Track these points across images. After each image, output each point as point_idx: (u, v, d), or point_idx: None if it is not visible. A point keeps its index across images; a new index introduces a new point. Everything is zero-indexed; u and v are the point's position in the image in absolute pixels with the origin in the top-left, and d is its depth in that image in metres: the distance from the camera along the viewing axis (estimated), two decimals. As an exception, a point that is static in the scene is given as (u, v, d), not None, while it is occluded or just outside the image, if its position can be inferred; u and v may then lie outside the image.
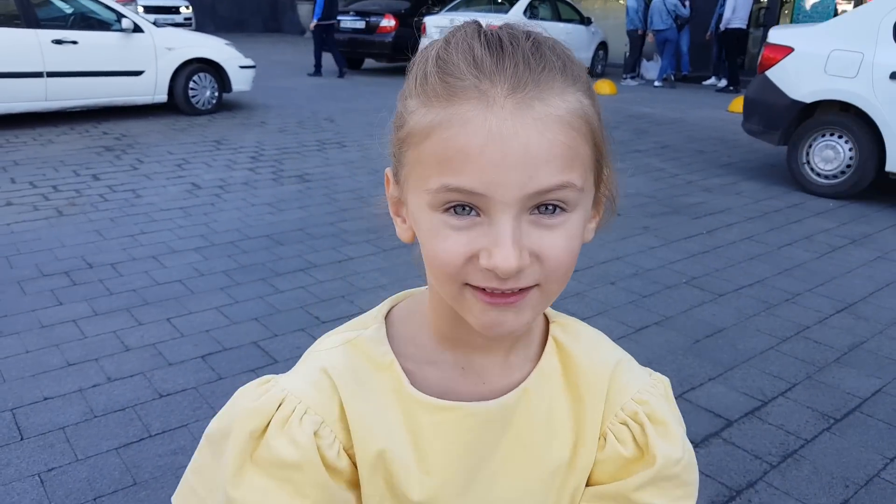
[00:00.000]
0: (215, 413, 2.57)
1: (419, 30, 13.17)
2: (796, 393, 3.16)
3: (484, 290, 0.63)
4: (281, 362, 3.24)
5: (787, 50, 6.42)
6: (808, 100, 6.30)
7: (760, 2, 15.21)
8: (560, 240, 0.63)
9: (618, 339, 3.03)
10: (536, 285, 0.64)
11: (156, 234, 4.86)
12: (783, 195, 6.42)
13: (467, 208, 0.62)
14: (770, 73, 6.52)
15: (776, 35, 6.76)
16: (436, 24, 12.69)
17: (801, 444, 2.80)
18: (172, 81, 9.04)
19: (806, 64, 6.28)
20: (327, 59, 13.88)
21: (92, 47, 8.37)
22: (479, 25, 0.66)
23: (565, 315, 0.84)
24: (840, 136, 6.23)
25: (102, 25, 8.64)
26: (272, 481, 0.69)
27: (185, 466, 2.59)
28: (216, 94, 9.50)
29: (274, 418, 0.70)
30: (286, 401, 0.71)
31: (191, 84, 9.17)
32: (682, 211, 5.84)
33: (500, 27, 0.65)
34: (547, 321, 0.82)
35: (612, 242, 4.94)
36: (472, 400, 0.75)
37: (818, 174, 6.42)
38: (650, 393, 0.79)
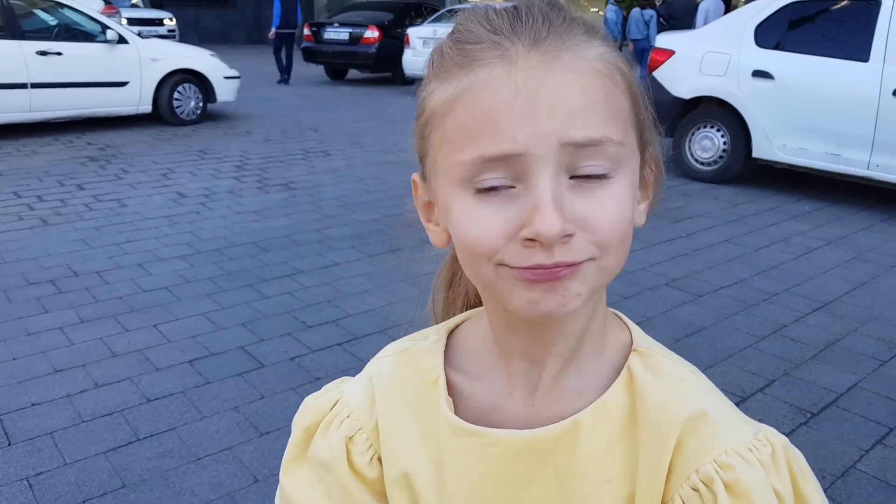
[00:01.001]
0: (203, 416, 2.64)
1: (403, 41, 13.27)
2: (774, 389, 3.23)
3: (524, 269, 0.56)
4: (268, 366, 3.27)
5: (670, 53, 7.16)
6: (687, 96, 7.03)
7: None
8: (610, 202, 0.57)
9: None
10: (590, 259, 0.57)
11: (141, 242, 4.89)
12: (761, 199, 6.52)
13: (501, 187, 0.56)
14: (656, 74, 7.19)
15: (662, 40, 7.50)
16: (419, 36, 12.79)
17: (778, 439, 2.86)
18: (157, 92, 9.07)
19: (684, 65, 7.03)
20: (306, 68, 13.94)
21: (77, 58, 8.39)
22: (489, 3, 0.63)
23: (658, 345, 0.70)
24: (715, 128, 6.97)
25: (87, 37, 8.67)
26: (312, 478, 0.72)
27: (174, 469, 2.64)
28: (201, 104, 9.53)
29: (326, 418, 0.74)
30: (339, 403, 0.74)
31: (175, 94, 9.20)
32: (661, 215, 5.92)
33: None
34: (629, 348, 0.69)
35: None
36: (517, 423, 0.66)
37: (698, 161, 7.13)
38: (742, 456, 0.61)
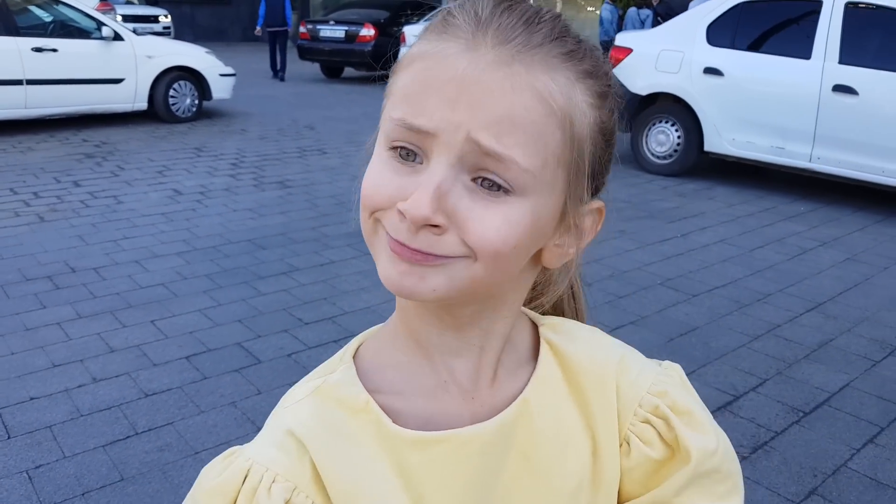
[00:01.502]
0: (201, 411, 2.65)
1: (398, 39, 13.28)
2: (767, 388, 3.27)
3: (390, 238, 0.58)
4: (265, 362, 3.29)
5: (628, 51, 7.45)
6: (644, 92, 7.31)
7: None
8: (495, 217, 0.56)
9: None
10: (464, 257, 0.57)
11: (138, 239, 4.90)
12: (756, 200, 6.56)
13: (413, 154, 0.57)
14: (616, 71, 7.26)
15: (621, 39, 7.78)
16: (415, 34, 12.67)
17: (771, 437, 2.89)
18: (153, 89, 9.05)
19: (641, 62, 7.31)
20: (301, 66, 13.96)
21: (72, 55, 8.38)
22: None
23: (550, 316, 0.75)
24: (670, 123, 7.27)
25: (82, 33, 8.66)
26: None
27: (172, 463, 2.66)
28: (196, 101, 9.52)
29: (241, 492, 0.61)
30: (252, 471, 0.62)
31: (171, 92, 9.19)
32: (657, 215, 5.96)
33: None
34: (534, 326, 0.73)
35: (589, 246, 5.02)
36: (465, 420, 0.66)
37: (654, 155, 7.43)
38: (666, 383, 0.70)
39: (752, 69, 6.69)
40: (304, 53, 14.84)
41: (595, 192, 0.66)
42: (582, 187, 0.62)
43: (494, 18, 0.57)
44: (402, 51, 0.64)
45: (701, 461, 0.67)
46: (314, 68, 15.80)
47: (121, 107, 8.95)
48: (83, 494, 2.40)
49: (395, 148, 0.58)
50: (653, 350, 3.52)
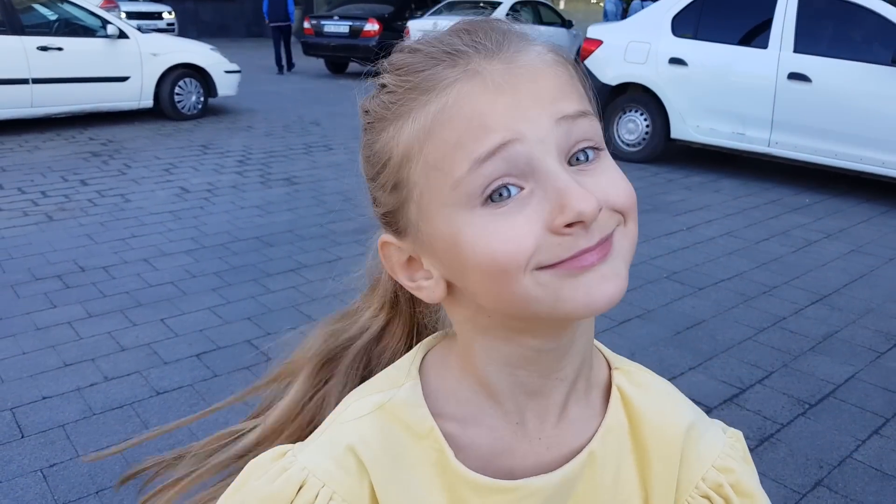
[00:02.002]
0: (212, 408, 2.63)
1: (403, 34, 13.28)
2: (773, 380, 3.28)
3: (569, 259, 0.54)
4: (275, 360, 3.32)
5: (599, 42, 7.75)
6: (613, 83, 7.57)
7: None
8: (613, 173, 0.57)
9: (602, 333, 3.13)
10: (617, 227, 0.56)
11: (146, 237, 4.93)
12: (761, 192, 6.57)
13: (506, 191, 0.53)
14: (588, 62, 7.73)
15: (592, 31, 8.07)
16: (419, 28, 12.71)
17: (777, 429, 2.91)
18: (158, 87, 9.08)
19: (611, 53, 7.61)
20: (306, 61, 13.98)
21: (77, 53, 8.41)
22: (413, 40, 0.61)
23: (626, 359, 0.72)
24: (639, 112, 7.54)
25: (87, 32, 8.68)
26: None
27: (186, 458, 2.64)
28: (202, 99, 9.55)
29: None
30: (307, 483, 0.60)
31: (176, 89, 9.22)
32: (662, 208, 5.97)
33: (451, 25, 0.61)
34: (608, 366, 0.70)
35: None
36: (529, 465, 0.64)
37: (624, 143, 7.68)
38: (732, 458, 0.68)
39: (714, 59, 7.00)
40: (309, 49, 14.87)
41: None
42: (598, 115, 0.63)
43: (471, 42, 0.56)
44: (386, 142, 0.58)
45: None
46: (319, 64, 15.82)
47: (126, 105, 8.98)
48: (97, 493, 2.44)
49: (488, 197, 0.53)
50: (660, 344, 3.55)
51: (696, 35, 7.12)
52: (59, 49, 8.25)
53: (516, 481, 0.62)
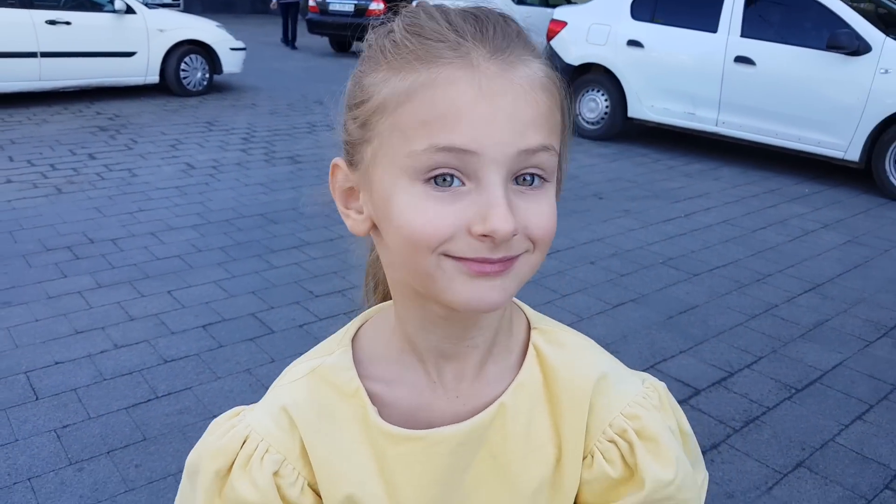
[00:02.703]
0: (217, 377, 2.80)
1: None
2: (761, 365, 3.38)
3: (470, 260, 0.60)
4: (277, 332, 3.42)
5: (563, 24, 8.12)
6: (576, 63, 7.93)
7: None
8: (545, 209, 0.62)
9: (595, 315, 3.25)
10: (524, 252, 0.62)
11: (153, 211, 5.02)
12: (761, 181, 6.64)
13: (449, 178, 0.59)
14: (553, 43, 8.12)
15: (558, 13, 8.44)
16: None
17: (762, 411, 3.02)
18: (164, 62, 9.15)
19: (575, 34, 7.99)
20: (311, 39, 14.01)
21: (85, 28, 8.47)
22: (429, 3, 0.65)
23: (550, 320, 0.78)
24: (599, 91, 7.86)
25: (95, 6, 8.73)
26: None
27: (191, 425, 2.81)
28: (207, 75, 9.61)
29: (238, 457, 0.71)
30: (249, 438, 0.71)
31: (182, 65, 9.27)
32: (661, 195, 6.05)
33: (467, 6, 0.65)
34: (528, 327, 0.76)
35: (594, 224, 5.15)
36: (447, 418, 0.71)
37: (585, 121, 8.01)
38: (642, 405, 0.73)
39: (669, 42, 7.36)
40: (314, 27, 14.88)
41: None
42: (566, 145, 0.69)
43: (477, 32, 0.61)
44: (371, 85, 0.61)
45: (654, 490, 0.70)
46: (323, 42, 15.83)
47: (133, 80, 9.04)
48: (108, 453, 2.55)
49: (431, 178, 0.59)
50: (652, 327, 3.65)
51: (652, 19, 7.50)
52: (68, 23, 8.30)
53: (426, 430, 0.70)
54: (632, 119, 7.72)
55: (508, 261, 0.61)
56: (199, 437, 2.61)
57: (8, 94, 8.24)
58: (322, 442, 0.71)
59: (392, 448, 0.70)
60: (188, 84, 9.38)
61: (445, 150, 0.58)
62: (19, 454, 2.52)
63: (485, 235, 0.58)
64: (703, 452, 2.70)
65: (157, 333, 3.36)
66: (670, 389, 0.80)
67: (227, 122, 8.00)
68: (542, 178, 0.62)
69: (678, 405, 0.79)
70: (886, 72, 6.09)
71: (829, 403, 3.11)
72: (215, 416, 2.60)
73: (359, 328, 0.78)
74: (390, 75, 0.61)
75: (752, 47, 6.76)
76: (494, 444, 0.71)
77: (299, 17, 15.54)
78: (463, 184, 0.59)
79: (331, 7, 14.50)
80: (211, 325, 3.47)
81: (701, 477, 0.78)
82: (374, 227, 0.68)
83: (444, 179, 0.59)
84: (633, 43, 7.51)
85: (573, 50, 7.95)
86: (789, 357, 3.47)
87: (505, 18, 0.64)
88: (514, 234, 0.59)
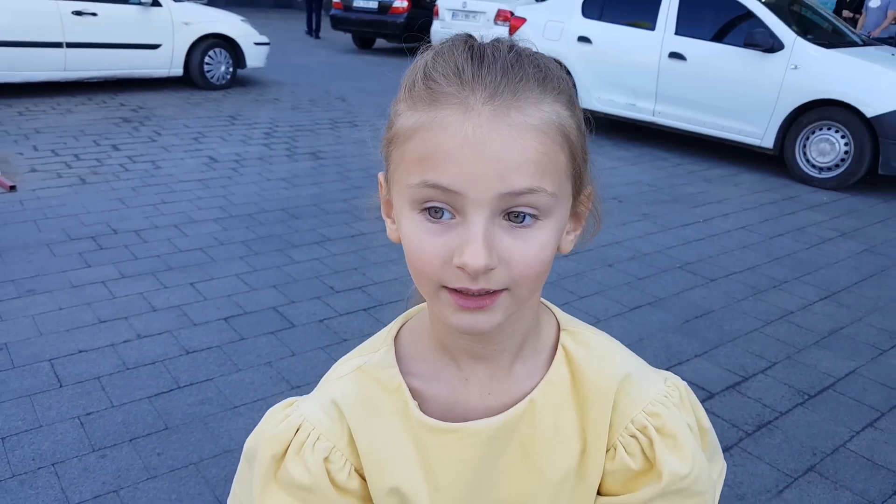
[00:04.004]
0: (238, 369, 2.87)
1: (432, 11, 13.33)
2: (775, 371, 3.40)
3: (458, 292, 0.66)
4: (298, 326, 3.48)
5: (523, 20, 8.70)
6: None
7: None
8: (531, 248, 0.66)
9: (612, 318, 3.28)
10: (506, 290, 0.67)
11: (176, 204, 5.09)
12: (780, 188, 6.63)
13: (441, 211, 0.65)
14: (513, 38, 8.17)
15: (519, 10, 9.02)
16: (448, 7, 12.84)
17: (775, 416, 3.04)
18: (188, 56, 9.23)
19: (533, 31, 8.36)
20: (334, 35, 14.07)
21: (111, 19, 8.56)
22: (468, 37, 0.70)
23: (579, 322, 0.84)
24: None
25: (122, -2, 8.83)
26: (292, 499, 0.77)
27: (212, 416, 2.88)
28: (231, 69, 9.69)
29: (292, 443, 0.78)
30: (302, 427, 0.78)
31: (206, 59, 9.36)
32: (681, 200, 6.06)
33: (489, 41, 0.70)
34: (558, 328, 0.82)
35: (613, 228, 5.17)
36: (480, 413, 0.78)
37: None
38: (663, 404, 0.79)
39: (613, 38, 7.91)
40: (337, 23, 14.92)
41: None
42: (581, 182, 0.73)
43: (477, 76, 0.65)
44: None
45: (671, 482, 0.76)
46: (346, 38, 15.90)
47: (157, 72, 9.13)
48: (131, 440, 2.61)
49: (424, 209, 0.66)
50: (668, 331, 3.67)
51: (600, 17, 8.08)
52: (94, 14, 8.40)
53: (461, 423, 0.77)
54: (583, 110, 8.04)
55: (489, 295, 0.66)
56: (220, 427, 2.70)
57: (33, 83, 8.35)
58: (367, 432, 0.78)
59: (431, 438, 0.77)
60: (212, 77, 9.47)
61: (433, 187, 0.64)
62: (43, 440, 2.59)
63: (460, 268, 0.64)
64: (715, 456, 2.74)
65: (179, 325, 3.42)
66: (686, 391, 0.85)
67: (250, 117, 8.08)
68: (535, 216, 0.66)
69: (698, 402, 0.84)
70: (796, 67, 6.75)
71: (841, 410, 3.13)
72: (236, 408, 2.69)
73: (400, 327, 0.85)
74: (405, 110, 0.68)
75: (684, 44, 7.38)
76: (524, 436, 0.78)
77: (323, 12, 15.71)
78: (453, 216, 0.65)
79: (355, 3, 14.54)
80: (232, 317, 3.53)
81: (718, 469, 0.84)
82: None
83: (436, 211, 0.65)
84: (583, 39, 8.07)
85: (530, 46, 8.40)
86: (803, 363, 3.49)
87: (518, 56, 0.67)
88: (489, 269, 0.64)
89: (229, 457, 2.54)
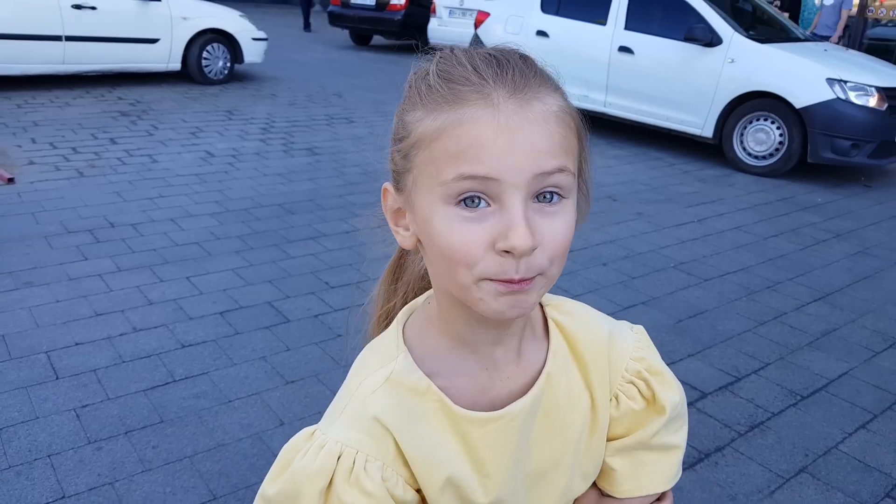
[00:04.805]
0: (233, 363, 2.87)
1: (429, 9, 13.33)
2: (768, 371, 3.42)
3: (499, 281, 0.70)
4: (293, 321, 3.49)
5: (487, 14, 9.05)
6: None
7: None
8: (560, 225, 0.71)
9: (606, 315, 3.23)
10: (540, 274, 0.71)
11: (173, 198, 5.10)
12: (774, 189, 6.66)
13: (478, 200, 0.68)
14: (479, 31, 9.05)
15: (485, 5, 9.29)
16: (445, 5, 12.85)
17: (767, 417, 3.06)
18: (186, 50, 9.22)
19: (496, 25, 8.85)
20: (331, 31, 14.07)
21: (110, 13, 8.54)
22: (471, 45, 0.78)
23: (553, 296, 0.92)
24: None
25: (120, -8, 8.81)
26: None
27: (207, 409, 2.89)
28: (228, 64, 9.68)
29: (336, 473, 0.75)
30: (345, 453, 0.76)
31: (204, 54, 9.35)
32: (675, 199, 6.08)
33: (493, 47, 0.76)
34: (540, 305, 0.91)
35: (607, 227, 5.19)
36: (504, 397, 0.83)
37: None
38: (642, 348, 0.93)
39: (568, 32, 8.23)
40: (335, 20, 14.91)
41: None
42: (586, 164, 0.80)
43: (498, 76, 0.71)
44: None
45: (672, 411, 0.91)
46: (343, 34, 15.90)
47: (155, 66, 9.12)
48: (126, 433, 2.62)
49: (461, 200, 0.69)
50: (661, 330, 3.69)
51: (558, 12, 8.42)
52: (93, 8, 8.38)
53: (501, 410, 0.82)
54: None
55: (527, 281, 0.71)
56: (215, 420, 2.69)
57: (31, 76, 8.34)
58: (415, 439, 0.79)
59: (476, 430, 0.81)
60: (209, 72, 9.47)
61: (470, 178, 0.68)
62: (39, 431, 2.60)
63: (506, 251, 0.68)
64: (708, 455, 2.76)
65: (175, 318, 3.43)
66: (678, 393, 0.92)
67: (247, 112, 8.08)
68: (560, 195, 0.72)
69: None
70: (733, 61, 7.12)
71: (833, 411, 3.15)
72: (231, 402, 2.68)
73: (403, 330, 0.87)
74: (425, 115, 0.71)
75: (632, 38, 7.73)
76: (547, 405, 0.86)
77: (320, 9, 15.81)
78: (489, 205, 0.69)
79: (352, 0, 14.54)
80: (228, 312, 3.54)
81: None
82: (420, 242, 0.78)
83: (473, 201, 0.69)
84: (541, 33, 8.39)
85: (494, 39, 8.36)
86: (796, 364, 3.51)
87: (524, 59, 0.75)
88: (533, 249, 0.69)
89: (223, 450, 2.55)
